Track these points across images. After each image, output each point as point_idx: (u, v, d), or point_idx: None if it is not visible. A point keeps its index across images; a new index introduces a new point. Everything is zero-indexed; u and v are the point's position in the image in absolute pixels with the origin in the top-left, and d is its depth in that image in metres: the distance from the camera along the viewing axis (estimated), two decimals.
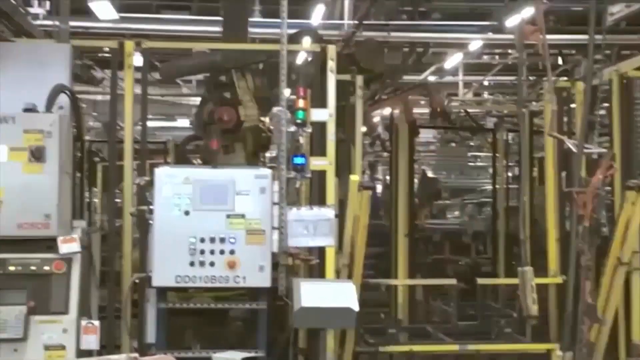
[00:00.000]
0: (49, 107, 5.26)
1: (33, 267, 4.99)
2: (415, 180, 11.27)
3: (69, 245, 5.04)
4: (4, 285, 4.92)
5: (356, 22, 11.92)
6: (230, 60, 7.24)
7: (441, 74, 15.52)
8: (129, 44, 6.07)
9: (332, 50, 6.19)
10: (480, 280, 7.94)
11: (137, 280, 5.51)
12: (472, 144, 17.38)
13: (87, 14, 11.75)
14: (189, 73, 8.27)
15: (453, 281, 7.82)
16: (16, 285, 4.93)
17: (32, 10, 12.13)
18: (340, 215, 6.30)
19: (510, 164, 11.73)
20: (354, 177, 6.28)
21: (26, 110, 5.17)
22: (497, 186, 10.63)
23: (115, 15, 12.43)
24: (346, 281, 5.83)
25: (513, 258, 9.62)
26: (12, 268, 4.98)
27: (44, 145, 5.02)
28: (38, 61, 5.81)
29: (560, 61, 12.63)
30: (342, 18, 12.85)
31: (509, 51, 13.65)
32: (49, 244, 5.09)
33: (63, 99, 5.57)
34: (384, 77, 13.91)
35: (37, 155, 5.00)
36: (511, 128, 10.94)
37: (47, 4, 13.03)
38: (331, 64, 6.12)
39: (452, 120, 12.81)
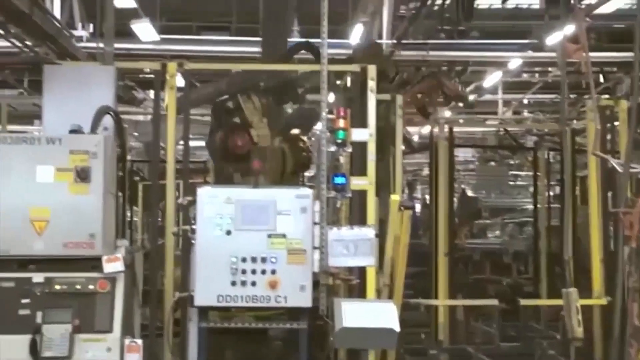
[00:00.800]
0: (94, 129, 5.35)
1: (78, 286, 5.03)
2: (455, 200, 11.20)
3: (113, 265, 5.09)
4: (49, 304, 4.96)
5: (394, 41, 11.97)
6: (234, 85, 7.31)
7: (480, 93, 15.49)
8: (172, 66, 6.15)
9: (372, 70, 6.19)
10: (523, 301, 7.86)
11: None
12: (511, 162, 17.24)
13: (129, 35, 11.98)
14: (202, 103, 8.35)
15: (495, 302, 7.75)
16: (61, 304, 4.97)
17: (76, 32, 12.42)
18: (380, 235, 6.28)
19: (551, 182, 11.59)
20: (395, 197, 6.26)
21: (72, 131, 5.25)
22: (538, 205, 10.51)
23: (156, 36, 12.67)
24: (387, 301, 5.80)
25: (555, 278, 9.49)
26: (57, 287, 5.02)
27: (89, 166, 5.08)
28: (83, 83, 5.93)
29: (601, 79, 12.50)
30: (380, 37, 12.93)
31: (549, 69, 13.57)
32: (92, 263, 5.13)
33: (107, 120, 5.66)
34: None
35: (83, 175, 5.07)
36: (552, 147, 10.82)
37: (91, 26, 13.34)
38: (371, 84, 6.12)
39: (469, 102, 12.56)
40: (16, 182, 5.06)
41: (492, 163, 16.87)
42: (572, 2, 6.48)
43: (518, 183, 18.19)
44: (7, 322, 4.88)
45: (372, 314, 5.36)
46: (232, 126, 7.12)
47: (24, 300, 4.96)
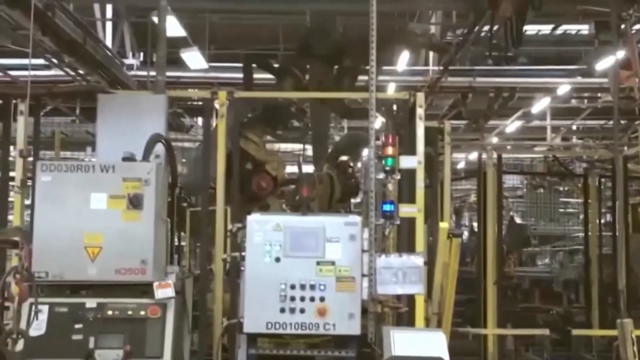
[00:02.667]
0: (146, 156, 5.44)
1: (130, 312, 5.11)
2: (504, 227, 11.07)
3: (164, 291, 5.14)
4: (102, 330, 5.04)
5: (441, 67, 11.95)
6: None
7: (528, 119, 15.33)
8: (222, 94, 6.24)
9: (420, 97, 6.19)
10: (575, 331, 7.70)
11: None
12: (561, 189, 17.01)
13: (178, 63, 12.18)
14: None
15: (545, 331, 7.61)
16: (113, 330, 5.04)
17: (127, 61, 12.68)
18: (429, 263, 6.24)
19: (602, 210, 11.38)
20: (443, 225, 6.22)
21: (125, 159, 5.35)
22: (589, 233, 10.33)
23: (205, 64, 12.86)
24: (437, 330, 5.73)
25: (607, 308, 9.29)
26: (110, 312, 5.10)
27: (142, 193, 5.17)
28: (136, 111, 6.04)
29: None
30: (427, 64, 12.93)
31: (599, 95, 13.38)
32: (143, 289, 5.20)
33: (159, 148, 5.75)
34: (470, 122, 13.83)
35: (135, 202, 5.15)
36: (603, 173, 10.65)
37: (141, 54, 13.61)
38: (420, 112, 6.12)
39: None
40: (71, 209, 5.17)
41: (541, 190, 16.65)
42: (623, 27, 6.39)
43: (568, 210, 17.90)
44: (60, 347, 4.97)
45: (421, 342, 5.29)
46: (247, 173, 7.15)
47: (77, 326, 5.05)
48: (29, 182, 5.85)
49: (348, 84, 7.79)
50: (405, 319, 6.10)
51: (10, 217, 6.50)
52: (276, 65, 8.16)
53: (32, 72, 6.89)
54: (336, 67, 7.88)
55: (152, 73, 7.75)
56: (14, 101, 6.27)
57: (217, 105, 6.47)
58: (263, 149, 7.37)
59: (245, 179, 7.17)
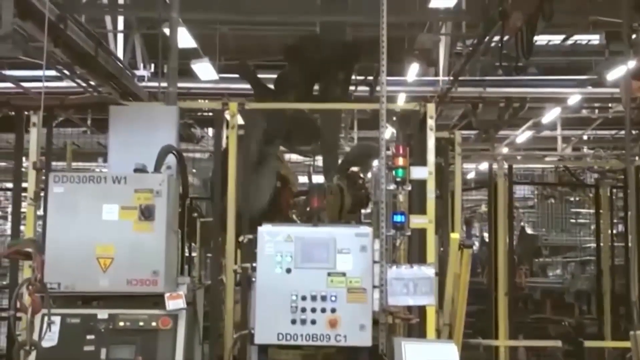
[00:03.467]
0: (157, 168, 5.46)
1: (141, 323, 5.11)
2: (515, 237, 11.03)
3: (175, 302, 5.14)
4: (113, 341, 5.04)
5: (451, 78, 11.97)
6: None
7: (539, 129, 15.32)
8: (233, 105, 6.25)
9: (431, 108, 6.19)
10: (588, 343, 7.65)
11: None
12: (572, 199, 16.95)
13: (188, 74, 12.25)
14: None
15: (557, 343, 7.57)
16: (125, 341, 5.04)
17: (138, 72, 12.76)
18: (440, 274, 6.22)
19: (614, 220, 11.33)
20: (454, 236, 6.20)
21: (136, 170, 5.37)
22: (601, 244, 10.28)
23: (215, 75, 12.91)
24: (448, 342, 5.71)
25: (620, 319, 9.23)
26: (121, 324, 5.10)
27: (153, 204, 5.18)
28: (147, 123, 6.06)
29: None
30: (437, 75, 12.94)
31: (609, 105, 13.37)
32: (155, 300, 5.20)
33: (170, 159, 5.77)
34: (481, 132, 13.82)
35: (147, 214, 5.17)
36: (614, 184, 10.61)
37: (152, 66, 13.68)
38: (430, 122, 6.12)
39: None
40: (83, 220, 5.19)
41: (552, 200, 16.60)
42: (634, 37, 6.39)
43: (579, 220, 17.83)
44: (72, 358, 4.98)
45: (432, 354, 5.27)
46: (279, 190, 7.17)
47: (88, 337, 5.05)
48: (41, 193, 5.87)
49: (340, 94, 7.77)
50: (416, 330, 6.07)
51: (22, 228, 6.52)
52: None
53: (45, 84, 6.91)
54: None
55: (163, 84, 7.77)
56: (26, 113, 6.31)
57: (227, 116, 6.48)
58: (287, 168, 7.40)
59: (280, 198, 7.21)
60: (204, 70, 12.54)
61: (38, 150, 6.03)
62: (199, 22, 11.94)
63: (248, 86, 13.15)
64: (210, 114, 10.65)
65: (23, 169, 6.52)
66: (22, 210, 6.47)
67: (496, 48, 9.33)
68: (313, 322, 5.32)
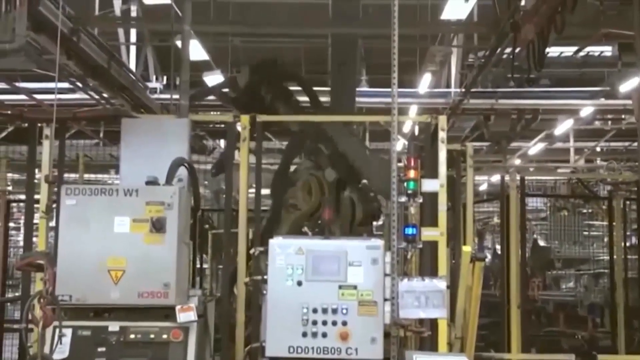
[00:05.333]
0: (169, 180, 5.46)
1: (152, 336, 5.10)
2: (527, 250, 10.98)
3: (186, 314, 5.14)
4: (124, 353, 5.04)
5: (463, 90, 11.95)
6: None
7: (551, 141, 15.26)
8: (245, 118, 6.27)
9: (442, 120, 6.19)
10: (601, 356, 7.59)
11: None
12: (584, 211, 16.85)
13: (200, 86, 12.29)
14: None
15: (571, 357, 7.51)
16: (136, 353, 5.04)
17: (150, 84, 12.81)
18: (452, 286, 6.19)
19: (627, 232, 11.26)
20: (466, 248, 6.17)
21: (148, 182, 5.37)
22: (614, 256, 10.21)
23: (227, 88, 12.91)
24: (460, 355, 5.69)
25: (633, 332, 9.16)
26: (132, 336, 5.10)
27: (165, 217, 5.18)
28: (159, 135, 6.09)
29: None
30: (448, 86, 12.94)
31: (623, 116, 13.31)
32: (165, 312, 5.20)
33: (182, 171, 5.78)
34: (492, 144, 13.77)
35: (158, 226, 5.17)
36: (627, 196, 10.54)
37: (164, 78, 13.74)
38: (442, 135, 6.11)
39: None
40: (94, 232, 5.19)
41: (565, 212, 16.51)
42: None
43: (592, 233, 17.73)
44: None
45: None
46: (324, 201, 7.17)
47: (100, 349, 5.05)
48: (54, 205, 5.90)
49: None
50: (428, 344, 6.05)
51: (34, 240, 6.54)
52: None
53: (57, 96, 6.96)
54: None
55: (175, 96, 7.81)
56: (39, 125, 6.34)
57: (239, 129, 6.50)
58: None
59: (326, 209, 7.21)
60: (216, 82, 12.57)
61: (50, 162, 6.06)
62: (211, 35, 11.99)
63: None
64: (222, 125, 10.67)
65: (35, 181, 6.55)
66: (35, 222, 6.50)
67: (508, 60, 9.31)
68: (324, 335, 5.29)
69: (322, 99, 11.84)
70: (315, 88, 13.03)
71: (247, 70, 7.53)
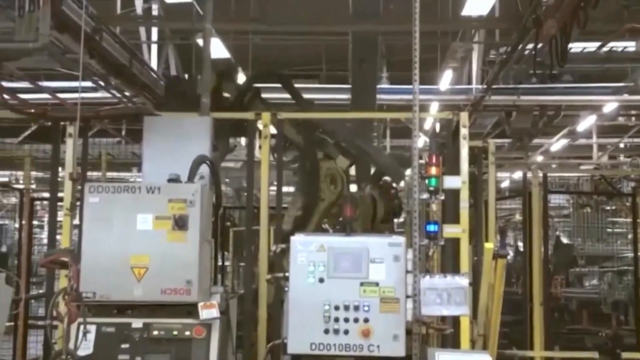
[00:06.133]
0: (191, 178, 5.49)
1: (175, 332, 5.12)
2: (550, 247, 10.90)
3: (209, 311, 5.16)
4: (147, 350, 5.06)
5: (484, 86, 11.89)
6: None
7: (574, 137, 15.14)
8: (266, 116, 6.28)
9: (464, 117, 6.16)
10: (625, 354, 7.53)
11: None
12: (608, 208, 16.71)
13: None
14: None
15: (595, 354, 7.45)
16: (159, 350, 5.06)
17: None
18: (474, 283, 6.16)
19: None
20: (488, 245, 6.15)
21: (170, 180, 5.40)
22: (638, 253, 10.11)
23: None
24: (483, 352, 5.66)
25: None
26: (155, 332, 5.12)
27: (187, 214, 5.20)
28: (181, 133, 6.12)
29: None
30: (469, 83, 12.87)
31: None
32: (188, 309, 5.22)
33: (204, 169, 5.80)
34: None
35: (180, 223, 5.19)
36: None
37: (186, 76, 13.78)
38: (464, 131, 6.08)
39: None
40: (118, 230, 5.23)
41: (588, 209, 16.37)
42: None
43: (616, 230, 17.57)
44: None
45: None
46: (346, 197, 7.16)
47: (123, 345, 5.08)
48: (77, 203, 5.95)
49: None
50: (450, 341, 6.03)
51: (58, 237, 6.60)
52: None
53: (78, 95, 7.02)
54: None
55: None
56: (62, 123, 6.40)
57: (260, 126, 6.52)
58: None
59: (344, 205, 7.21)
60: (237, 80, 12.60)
61: (74, 160, 6.11)
62: (232, 33, 12.02)
63: (280, 95, 13.22)
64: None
65: (59, 179, 6.61)
66: (58, 219, 6.56)
67: (530, 56, 9.26)
68: (346, 332, 5.29)
69: (343, 96, 11.88)
70: (335, 86, 13.08)
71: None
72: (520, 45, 9.17)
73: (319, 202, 6.85)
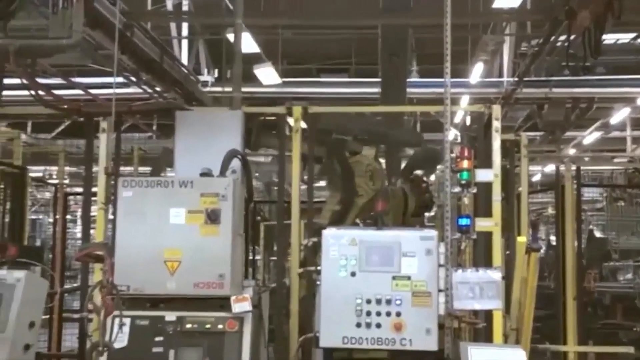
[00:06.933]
0: (223, 172, 5.51)
1: (208, 326, 5.15)
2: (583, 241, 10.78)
3: (241, 305, 5.18)
4: (181, 343, 5.11)
5: (516, 79, 11.79)
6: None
7: (607, 130, 14.96)
8: (297, 109, 6.28)
9: (496, 110, 6.11)
10: None
11: None
12: None
13: (251, 79, 12.38)
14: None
15: (630, 349, 7.36)
16: (192, 343, 5.10)
17: (202, 78, 12.94)
18: (506, 277, 6.12)
19: None
20: (521, 239, 6.10)
21: (203, 174, 5.43)
22: None
23: (278, 80, 13.01)
24: (516, 347, 5.62)
25: None
26: (189, 326, 5.16)
27: (219, 208, 5.22)
28: (213, 127, 6.14)
29: None
30: (500, 75, 12.77)
31: None
32: (220, 302, 5.25)
33: (235, 163, 5.82)
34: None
35: (213, 217, 5.21)
36: None
37: (216, 71, 13.86)
38: (496, 124, 6.04)
39: None
40: (151, 224, 5.27)
41: (622, 203, 16.15)
42: None
43: None
44: (141, 359, 5.06)
45: (500, 359, 5.19)
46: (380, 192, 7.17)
47: (157, 338, 5.13)
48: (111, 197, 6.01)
49: None
50: (483, 335, 6.00)
51: (92, 232, 6.68)
52: None
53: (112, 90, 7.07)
54: None
55: (227, 89, 7.86)
56: (95, 119, 6.47)
57: (290, 121, 6.52)
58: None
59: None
60: (267, 74, 12.65)
61: (108, 155, 6.17)
62: (262, 27, 12.05)
63: (310, 90, 13.24)
64: (273, 118, 10.75)
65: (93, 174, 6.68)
66: (92, 214, 6.64)
67: (562, 48, 9.16)
68: (378, 325, 5.29)
69: (373, 90, 11.84)
70: (365, 80, 13.05)
71: None
72: (553, 37, 9.07)
73: (357, 198, 6.84)
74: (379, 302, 5.31)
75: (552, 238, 15.33)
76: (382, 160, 8.36)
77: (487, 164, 6.01)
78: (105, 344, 4.08)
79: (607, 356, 8.85)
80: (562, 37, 8.75)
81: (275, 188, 10.92)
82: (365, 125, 7.38)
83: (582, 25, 7.22)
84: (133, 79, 10.04)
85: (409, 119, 13.55)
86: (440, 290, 5.40)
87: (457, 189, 5.70)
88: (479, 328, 5.97)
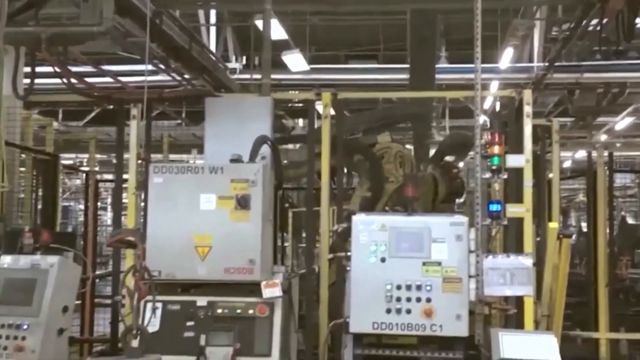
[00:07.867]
0: (253, 158, 5.52)
1: (239, 311, 5.19)
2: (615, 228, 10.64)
3: (271, 290, 5.21)
4: (212, 327, 5.15)
5: (546, 64, 11.66)
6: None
7: (639, 115, 14.75)
8: (326, 96, 6.26)
9: (528, 94, 6.05)
10: None
11: None
12: None
13: (279, 66, 12.37)
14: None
15: None
16: (223, 327, 5.14)
17: (230, 65, 12.97)
18: (537, 263, 6.07)
19: None
20: (553, 225, 6.05)
21: (232, 160, 5.44)
22: None
23: (306, 66, 12.99)
24: (547, 333, 5.58)
25: None
26: (219, 311, 5.20)
27: (249, 194, 5.24)
28: (242, 114, 6.15)
29: None
30: (531, 61, 12.63)
31: None
32: (250, 288, 5.27)
33: (265, 149, 5.83)
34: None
35: (243, 203, 5.23)
36: None
37: (244, 58, 13.88)
38: (527, 109, 5.98)
39: None
40: (182, 210, 5.30)
41: None
42: None
43: None
44: (173, 343, 5.11)
45: (531, 345, 5.16)
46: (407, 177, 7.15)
47: (188, 323, 5.18)
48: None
49: None
50: (513, 321, 5.96)
51: (122, 219, 6.74)
52: None
53: (142, 78, 7.10)
54: None
55: (255, 76, 7.88)
56: (126, 106, 6.51)
57: (318, 107, 6.51)
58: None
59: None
60: (295, 61, 12.64)
61: (138, 142, 6.21)
62: (290, 14, 12.03)
63: (339, 76, 13.18)
64: (301, 104, 10.75)
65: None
66: (123, 201, 6.69)
67: (594, 32, 9.03)
68: (408, 311, 5.28)
69: (402, 76, 11.77)
70: (393, 66, 12.98)
71: None
72: (584, 21, 8.94)
73: (387, 184, 6.83)
74: (409, 288, 5.30)
75: (583, 225, 15.19)
76: (409, 147, 8.34)
77: (518, 149, 5.95)
78: (139, 327, 4.12)
79: (639, 343, 8.77)
80: (594, 21, 8.62)
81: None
82: (368, 116, 7.40)
83: (615, 8, 7.12)
84: (162, 66, 10.09)
85: (438, 105, 13.47)
86: (470, 276, 5.37)
87: (487, 175, 5.67)
88: (510, 314, 5.94)
